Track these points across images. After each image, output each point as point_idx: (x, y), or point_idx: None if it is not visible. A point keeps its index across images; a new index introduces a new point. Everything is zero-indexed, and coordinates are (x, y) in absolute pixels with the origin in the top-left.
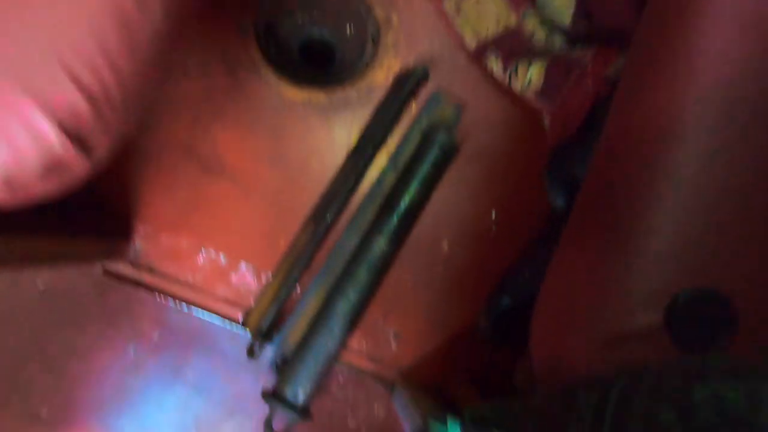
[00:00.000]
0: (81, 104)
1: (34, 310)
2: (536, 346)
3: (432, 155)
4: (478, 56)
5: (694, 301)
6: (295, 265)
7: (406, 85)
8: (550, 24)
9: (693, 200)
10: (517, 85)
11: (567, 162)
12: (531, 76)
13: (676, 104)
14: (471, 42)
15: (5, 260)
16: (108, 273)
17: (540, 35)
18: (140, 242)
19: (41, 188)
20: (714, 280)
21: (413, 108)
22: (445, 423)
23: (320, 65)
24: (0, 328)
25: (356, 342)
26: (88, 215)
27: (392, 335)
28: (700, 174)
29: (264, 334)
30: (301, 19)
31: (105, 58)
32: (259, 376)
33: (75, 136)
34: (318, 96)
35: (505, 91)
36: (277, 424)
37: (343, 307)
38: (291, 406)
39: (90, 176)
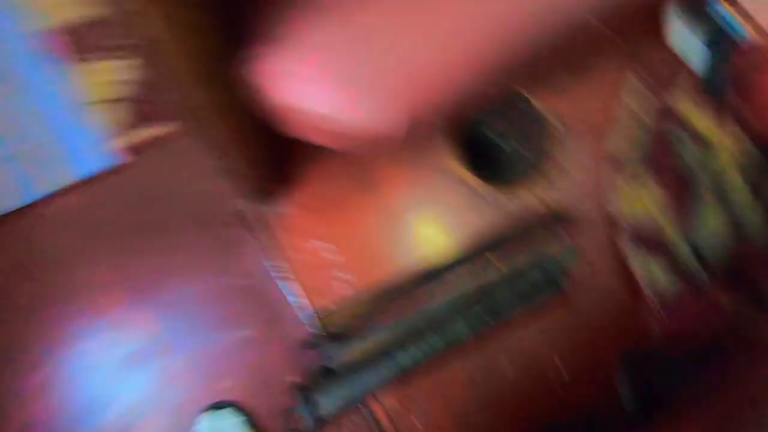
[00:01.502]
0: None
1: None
2: None
3: (533, 276)
4: (615, 233)
5: None
6: (387, 300)
7: (542, 227)
8: (693, 246)
9: None
10: (643, 274)
11: (652, 368)
12: (659, 276)
13: None
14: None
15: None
16: (237, 212)
17: (682, 250)
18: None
19: (351, 144)
20: None
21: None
22: None
23: (478, 153)
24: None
25: (387, 398)
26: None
27: (416, 419)
28: None
29: (332, 337)
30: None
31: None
32: (292, 371)
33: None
34: (469, 177)
35: (627, 270)
36: (291, 421)
37: (399, 357)
38: (313, 412)
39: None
